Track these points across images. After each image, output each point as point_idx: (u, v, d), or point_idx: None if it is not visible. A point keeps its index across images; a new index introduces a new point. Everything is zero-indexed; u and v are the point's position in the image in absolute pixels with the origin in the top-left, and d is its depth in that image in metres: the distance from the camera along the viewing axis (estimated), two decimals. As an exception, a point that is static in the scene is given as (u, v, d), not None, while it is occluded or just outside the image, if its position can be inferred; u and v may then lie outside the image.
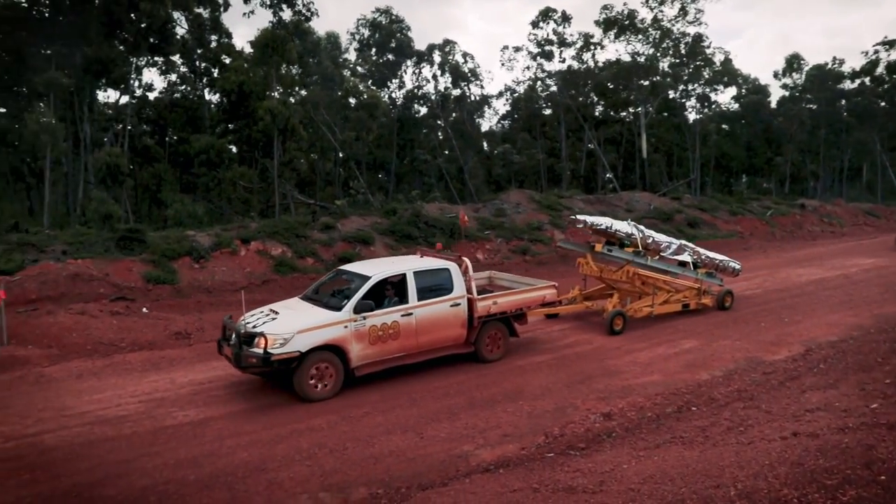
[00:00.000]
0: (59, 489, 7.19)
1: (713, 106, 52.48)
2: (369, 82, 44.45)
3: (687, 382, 10.68)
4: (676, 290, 15.78)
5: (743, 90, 54.08)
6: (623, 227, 15.46)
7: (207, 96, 40.51)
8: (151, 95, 40.72)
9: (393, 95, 45.27)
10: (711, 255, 16.71)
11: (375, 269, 11.16)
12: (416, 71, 45.09)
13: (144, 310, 16.13)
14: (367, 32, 43.21)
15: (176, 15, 33.97)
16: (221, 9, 37.34)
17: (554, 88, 48.56)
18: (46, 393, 10.59)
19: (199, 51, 38.33)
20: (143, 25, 29.57)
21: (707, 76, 48.69)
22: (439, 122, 46.91)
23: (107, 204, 24.45)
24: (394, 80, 44.90)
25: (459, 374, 11.25)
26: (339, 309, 10.21)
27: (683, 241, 16.76)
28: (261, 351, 9.52)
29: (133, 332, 14.24)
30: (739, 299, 16.98)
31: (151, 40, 30.53)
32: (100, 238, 20.38)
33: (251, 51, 34.72)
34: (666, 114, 50.83)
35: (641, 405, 9.62)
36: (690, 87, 49.47)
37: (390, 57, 43.76)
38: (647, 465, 6.91)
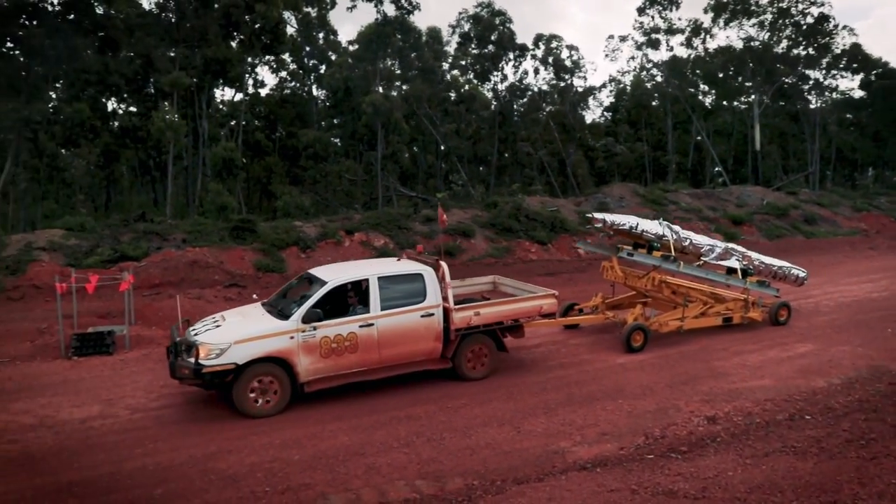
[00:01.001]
0: (177, 460, 7.72)
1: (836, 93, 48.86)
2: (470, 76, 44.58)
3: (801, 389, 10.06)
4: (717, 301, 13.81)
5: (872, 75, 50.01)
6: (652, 227, 13.45)
7: (315, 92, 41.98)
8: (263, 92, 42.66)
9: (495, 88, 45.20)
10: (767, 260, 14.67)
11: (339, 273, 10.20)
12: (518, 64, 44.77)
13: (255, 296, 16.96)
14: (468, 26, 43.32)
15: (286, 15, 35.41)
16: (328, 7, 38.56)
17: (660, 78, 46.91)
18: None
19: (307, 48, 39.76)
20: (256, 26, 30.99)
21: (830, 60, 45.37)
22: (541, 114, 46.40)
23: (222, 195, 25.93)
24: (495, 74, 44.79)
25: (558, 370, 11.14)
26: (287, 318, 9.32)
27: (731, 245, 14.63)
28: (192, 361, 8.88)
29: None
30: (860, 302, 15.77)
31: (264, 40, 31.95)
32: (215, 228, 21.64)
33: (356, 47, 35.70)
34: (782, 102, 47.84)
35: (749, 410, 9.16)
36: (810, 73, 46.27)
37: (491, 49, 43.68)
38: (754, 473, 6.60)
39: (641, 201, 29.18)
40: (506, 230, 24.54)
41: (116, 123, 34.39)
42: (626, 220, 13.36)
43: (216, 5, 29.75)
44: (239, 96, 38.53)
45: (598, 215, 13.20)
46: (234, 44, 32.60)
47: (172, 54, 32.03)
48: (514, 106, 45.87)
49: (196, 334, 9.30)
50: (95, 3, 28.66)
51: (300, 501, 6.71)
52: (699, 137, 47.35)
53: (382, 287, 9.78)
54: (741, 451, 7.52)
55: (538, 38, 43.89)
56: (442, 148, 41.80)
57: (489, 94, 44.19)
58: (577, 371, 11.09)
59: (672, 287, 13.25)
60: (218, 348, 8.87)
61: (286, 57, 39.99)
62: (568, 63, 44.72)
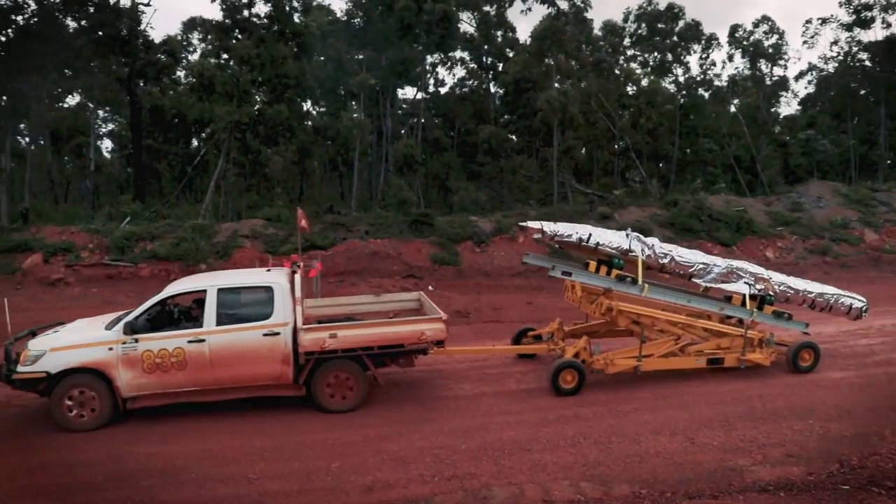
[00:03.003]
0: (353, 438, 8.23)
1: None
2: (648, 69, 42.82)
3: None
4: (714, 336, 10.83)
5: None
6: (614, 239, 10.65)
7: (492, 89, 42.58)
8: (442, 90, 44.06)
9: (676, 80, 43.03)
10: (800, 284, 11.42)
11: (188, 284, 9.52)
12: (705, 55, 42.21)
13: (430, 287, 17.62)
14: (646, 19, 41.58)
15: (465, 15, 36.30)
16: (507, 4, 38.88)
17: (870, 63, 41.79)
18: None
19: (485, 46, 40.41)
20: (435, 27, 32.03)
21: None
22: (729, 107, 43.43)
23: (402, 190, 27.21)
24: (677, 66, 42.62)
25: (738, 381, 10.40)
26: (111, 328, 8.73)
27: (739, 264, 11.31)
28: (4, 366, 8.48)
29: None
30: None
31: (437, 38, 32.94)
32: (396, 221, 22.80)
33: (530, 43, 35.71)
34: None
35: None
36: None
37: (674, 40, 41.59)
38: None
39: (843, 201, 26.35)
40: (686, 230, 23.35)
41: (310, 123, 37.34)
42: (575, 230, 10.58)
43: (395, 9, 31.18)
44: (420, 95, 40.16)
45: (534, 224, 10.65)
46: (413, 44, 33.99)
47: (360, 57, 34.12)
48: (697, 99, 43.38)
49: (34, 338, 8.95)
50: (294, 14, 31.22)
51: (465, 490, 6.88)
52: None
53: (222, 300, 8.79)
54: (961, 491, 6.55)
55: (734, 28, 41.00)
56: (619, 144, 40.60)
57: (671, 88, 42.16)
58: (760, 384, 10.27)
59: (630, 316, 10.42)
60: (34, 355, 8.45)
61: (465, 55, 41.00)
62: (768, 48, 41.28)
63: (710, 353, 10.64)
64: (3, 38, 26.33)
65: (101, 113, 43.48)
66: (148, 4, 31.82)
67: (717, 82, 43.01)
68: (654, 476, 7.20)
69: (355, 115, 30.70)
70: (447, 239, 21.32)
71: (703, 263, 10.91)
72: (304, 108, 38.72)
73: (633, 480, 7.10)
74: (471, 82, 43.68)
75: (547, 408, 9.27)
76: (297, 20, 31.19)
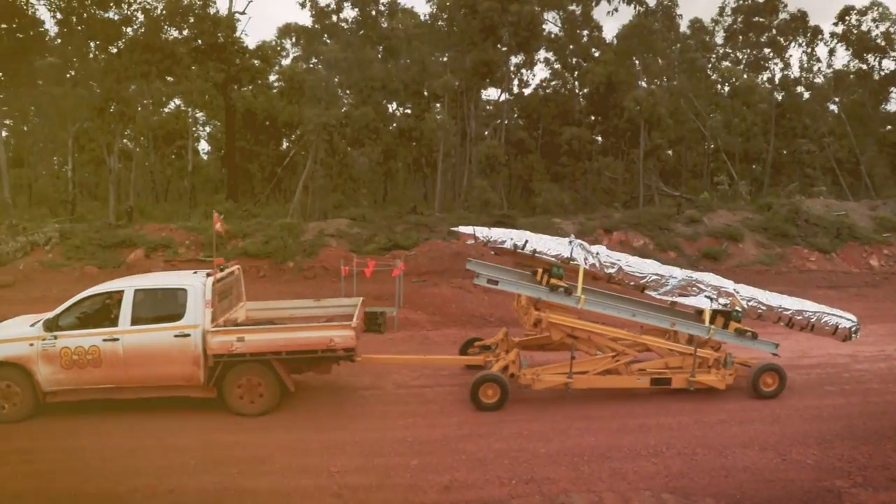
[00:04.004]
0: (432, 437, 8.30)
1: None
2: (741, 66, 41.02)
3: None
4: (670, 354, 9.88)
5: None
6: (554, 246, 9.84)
7: (577, 90, 41.99)
8: (526, 91, 43.79)
9: (772, 78, 41.05)
10: (775, 300, 10.16)
11: (109, 284, 9.73)
12: (809, 49, 40.03)
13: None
14: (743, 11, 39.81)
15: (549, 15, 35.98)
16: (593, 3, 38.26)
17: None
18: (429, 351, 12.29)
19: (570, 46, 39.90)
20: (519, 27, 31.90)
21: None
22: (832, 105, 41.06)
23: (485, 191, 27.26)
24: (774, 62, 40.63)
25: (836, 397, 9.83)
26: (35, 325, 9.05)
27: (699, 276, 10.21)
28: None
29: (501, 308, 15.62)
30: None
31: (521, 39, 32.75)
32: (478, 222, 22.82)
33: (616, 42, 35.04)
34: None
35: None
36: None
37: (772, 34, 39.65)
38: None
39: (961, 206, 24.45)
40: (780, 235, 22.28)
41: (395, 125, 37.95)
42: (509, 236, 9.83)
43: (478, 10, 31.27)
44: (504, 96, 40.07)
45: (466, 229, 9.96)
46: (497, 46, 33.96)
47: (444, 59, 34.40)
48: (796, 97, 41.23)
49: None
50: (380, 18, 31.86)
51: (542, 494, 6.82)
52: None
53: (138, 300, 9.02)
54: None
55: (846, 11, 38.32)
56: (709, 145, 39.16)
57: (766, 85, 40.25)
58: (861, 401, 9.66)
59: (565, 329, 9.66)
60: None
61: (549, 55, 40.61)
62: (878, 39, 38.56)
63: (655, 372, 9.75)
64: (115, 49, 28.12)
65: (198, 116, 45.78)
66: (243, 13, 33.27)
67: (817, 78, 40.77)
68: (741, 492, 6.90)
69: (439, 117, 30.99)
70: (529, 241, 21.21)
71: (657, 274, 10.00)
72: (389, 110, 39.41)
73: (718, 495, 6.83)
74: (555, 83, 43.23)
75: (628, 415, 9.06)
76: (382, 24, 31.81)
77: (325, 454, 7.80)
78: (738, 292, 10.00)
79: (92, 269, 20.73)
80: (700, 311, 9.89)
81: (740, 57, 40.93)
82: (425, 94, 37.10)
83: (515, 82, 41.43)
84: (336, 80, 30.19)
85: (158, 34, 30.07)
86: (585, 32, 40.09)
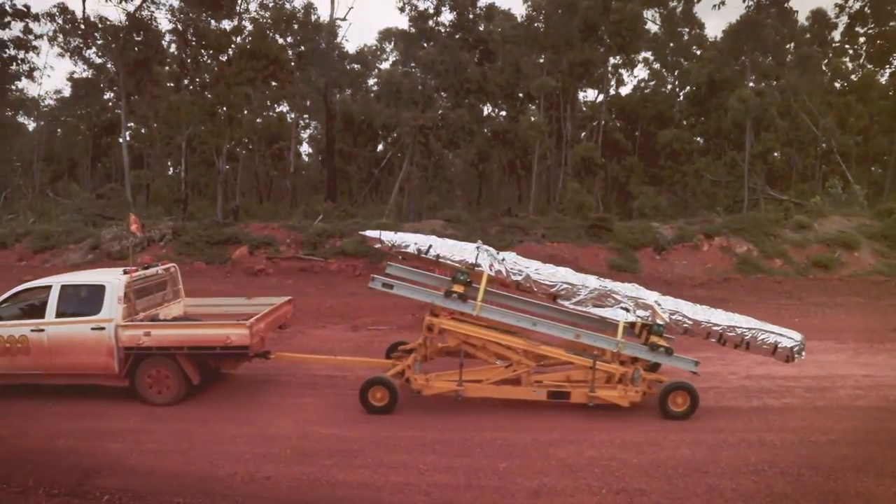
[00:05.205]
0: (521, 440, 8.25)
1: None
2: (861, 60, 38.36)
3: None
4: (552, 363, 9.46)
5: None
6: (459, 252, 9.49)
7: (677, 89, 40.66)
8: (623, 91, 42.85)
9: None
10: (701, 314, 9.37)
11: (42, 280, 10.42)
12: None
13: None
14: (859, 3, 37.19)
15: (649, 13, 34.98)
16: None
17: None
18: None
19: (670, 44, 38.67)
20: (622, 27, 31.22)
21: None
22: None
23: (580, 194, 26.87)
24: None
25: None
26: None
27: (619, 286, 9.54)
28: None
29: (592, 314, 15.31)
30: None
31: (622, 39, 32.02)
32: (573, 225, 22.59)
33: (721, 39, 33.58)
34: None
35: None
36: None
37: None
38: None
39: None
40: (902, 243, 20.66)
41: (489, 127, 38.04)
42: (414, 241, 9.60)
43: (577, 10, 30.81)
44: (600, 97, 39.34)
45: (371, 233, 9.89)
46: (595, 46, 33.38)
47: (540, 60, 34.13)
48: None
49: None
50: (477, 21, 32.01)
51: (634, 506, 6.63)
52: None
53: (64, 295, 9.73)
54: None
55: None
56: (821, 146, 36.88)
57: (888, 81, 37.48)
58: None
59: (459, 337, 9.35)
60: None
61: (648, 55, 39.52)
62: None
63: (554, 384, 9.30)
64: (225, 57, 29.73)
65: (300, 120, 47.59)
66: (344, 19, 34.32)
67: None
68: (852, 517, 6.45)
69: (534, 118, 30.80)
70: (626, 245, 20.70)
71: (569, 283, 9.36)
72: (485, 112, 39.53)
73: (826, 519, 6.41)
74: (653, 83, 42.04)
75: (727, 429, 8.65)
76: (480, 28, 31.95)
77: (415, 451, 7.91)
78: (659, 304, 9.36)
79: (201, 264, 21.98)
80: (633, 324, 9.30)
81: (861, 49, 38.32)
82: (520, 95, 36.99)
83: (613, 82, 40.62)
84: (432, 82, 30.56)
85: (264, 42, 31.51)
86: (686, 30, 38.77)
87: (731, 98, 30.20)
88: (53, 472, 7.39)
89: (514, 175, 47.13)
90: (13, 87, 40.64)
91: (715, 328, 9.21)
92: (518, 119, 34.80)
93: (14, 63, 37.31)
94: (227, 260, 22.17)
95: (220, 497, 6.81)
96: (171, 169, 44.27)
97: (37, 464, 7.62)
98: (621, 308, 9.31)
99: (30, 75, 38.84)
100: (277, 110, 46.45)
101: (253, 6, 32.51)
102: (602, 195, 37.48)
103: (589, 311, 9.40)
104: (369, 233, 10.01)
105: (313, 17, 34.59)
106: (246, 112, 35.57)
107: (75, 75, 43.88)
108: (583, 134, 38.12)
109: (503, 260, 9.50)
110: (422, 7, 31.06)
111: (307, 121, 50.52)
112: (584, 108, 41.69)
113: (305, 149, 53.40)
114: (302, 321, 14.82)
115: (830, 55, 38.71)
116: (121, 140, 36.07)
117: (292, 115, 43.09)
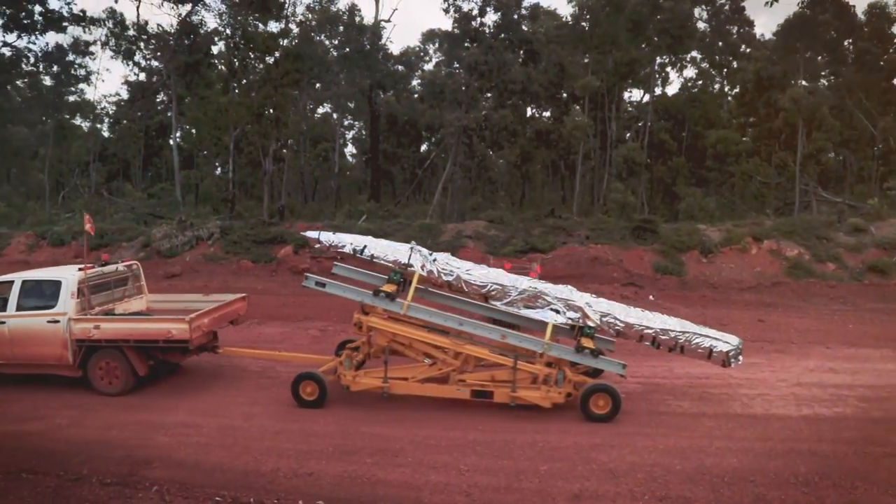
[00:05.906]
0: (563, 443, 8.17)
1: None
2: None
3: None
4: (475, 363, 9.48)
5: None
6: (390, 252, 9.84)
7: (725, 89, 39.78)
8: (670, 91, 42.11)
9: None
10: (633, 317, 9.24)
11: (6, 276, 10.87)
12: None
13: (651, 297, 16.94)
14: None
15: (696, 11, 34.27)
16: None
17: None
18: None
19: (719, 43, 37.84)
20: (672, 26, 30.69)
21: None
22: None
23: (625, 195, 26.49)
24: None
25: None
26: None
27: (549, 287, 9.57)
28: None
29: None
30: None
31: (671, 38, 31.47)
32: (617, 226, 22.28)
33: (773, 37, 32.69)
34: None
35: None
36: None
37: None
38: None
39: None
40: (967, 248, 19.81)
41: (533, 127, 37.83)
42: (350, 241, 9.99)
43: (624, 8, 30.39)
44: (646, 97, 38.74)
45: (311, 233, 10.34)
46: (642, 45, 32.89)
47: (585, 60, 33.78)
48: None
49: None
50: (522, 21, 31.88)
51: (679, 514, 6.51)
52: None
53: (24, 290, 10.36)
54: None
55: None
56: (879, 146, 35.60)
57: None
58: None
59: (386, 335, 9.57)
60: None
61: (695, 54, 38.76)
62: None
63: (477, 383, 9.35)
64: (272, 59, 30.25)
65: (346, 121, 48.11)
66: (388, 21, 34.56)
67: None
68: (909, 532, 6.21)
69: (578, 119, 30.50)
70: (671, 247, 20.31)
71: (499, 284, 9.51)
72: (528, 113, 39.31)
73: (881, 533, 6.19)
74: (700, 82, 41.20)
75: (776, 438, 8.43)
76: (524, 28, 31.80)
77: (455, 452, 7.91)
78: (590, 306, 9.34)
79: (247, 262, 22.42)
80: (573, 327, 9.38)
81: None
82: (564, 96, 36.67)
83: (659, 82, 39.97)
84: (476, 83, 30.54)
85: (310, 43, 31.93)
86: (735, 29, 37.90)
87: (783, 98, 29.39)
88: (107, 462, 7.65)
89: (558, 176, 46.75)
90: (72, 90, 42.22)
91: (647, 331, 9.19)
92: (562, 119, 34.50)
93: (72, 68, 38.72)
94: (273, 259, 22.55)
95: (264, 492, 6.93)
96: (219, 169, 45.30)
97: (91, 453, 7.90)
98: (551, 309, 9.44)
99: (86, 79, 40.28)
100: (322, 111, 47.14)
101: (300, 9, 33.08)
102: (647, 196, 36.89)
103: (519, 313, 9.54)
104: (309, 233, 10.48)
105: (357, 19, 34.98)
106: (292, 113, 36.11)
107: (129, 79, 45.39)
108: (628, 134, 37.60)
109: (435, 260, 9.79)
110: (466, 8, 31.07)
111: (351, 121, 51.07)
112: (630, 109, 41.11)
113: (350, 149, 54.03)
114: (338, 317, 15.11)
115: (891, 51, 37.28)
116: (171, 141, 37.07)
117: (335, 116, 43.61)
